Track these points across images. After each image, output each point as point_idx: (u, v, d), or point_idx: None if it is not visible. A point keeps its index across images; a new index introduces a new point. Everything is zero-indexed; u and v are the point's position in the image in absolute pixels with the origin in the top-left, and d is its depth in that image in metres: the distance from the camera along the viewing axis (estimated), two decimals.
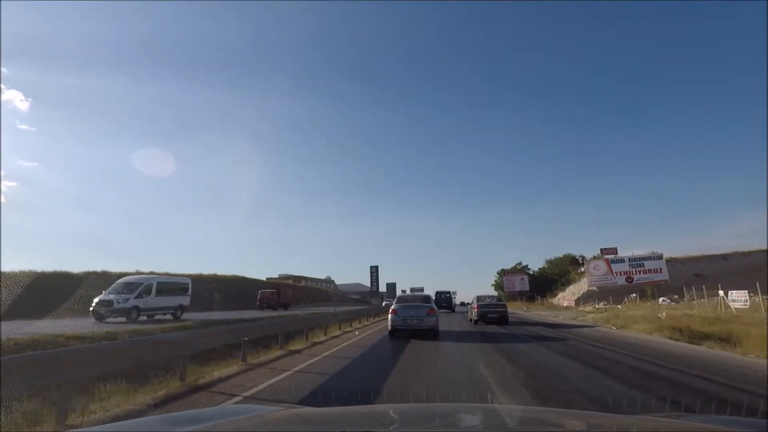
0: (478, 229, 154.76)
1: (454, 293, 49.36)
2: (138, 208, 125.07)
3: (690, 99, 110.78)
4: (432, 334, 13.32)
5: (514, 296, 59.42)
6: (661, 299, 35.87)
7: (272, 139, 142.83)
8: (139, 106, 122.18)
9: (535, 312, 40.26)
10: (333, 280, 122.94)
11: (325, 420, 1.72)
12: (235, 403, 5.20)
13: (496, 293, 67.86)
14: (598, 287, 27.32)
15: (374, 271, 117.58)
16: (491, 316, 19.30)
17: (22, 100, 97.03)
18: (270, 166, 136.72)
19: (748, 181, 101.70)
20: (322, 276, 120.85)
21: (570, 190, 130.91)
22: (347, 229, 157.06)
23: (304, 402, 5.38)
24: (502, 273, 63.86)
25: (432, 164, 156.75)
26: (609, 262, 26.07)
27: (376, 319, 25.82)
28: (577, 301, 49.63)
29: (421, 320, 13.39)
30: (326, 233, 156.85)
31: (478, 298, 21.09)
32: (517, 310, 48.96)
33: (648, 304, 34.50)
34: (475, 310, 19.72)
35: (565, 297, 53.15)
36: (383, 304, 51.21)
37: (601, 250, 57.43)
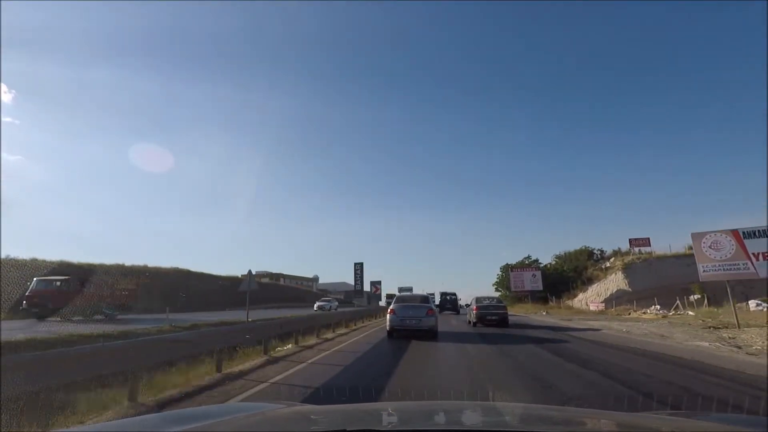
0: (472, 228, 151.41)
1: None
2: (120, 202, 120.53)
3: (693, 96, 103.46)
4: (431, 334, 12.94)
5: (523, 297, 48.66)
6: (753, 302, 25.27)
7: (260, 137, 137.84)
8: (124, 100, 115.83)
9: (559, 316, 29.69)
10: (317, 278, 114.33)
11: (326, 417, 1.69)
12: None
13: (498, 293, 57.29)
14: (725, 279, 15.63)
15: (359, 268, 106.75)
16: (491, 318, 18.40)
17: (5, 92, 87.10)
18: (258, 163, 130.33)
19: (750, 179, 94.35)
20: (309, 275, 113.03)
21: (569, 186, 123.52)
22: (336, 228, 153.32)
23: None
24: (507, 269, 53.06)
25: (422, 163, 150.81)
26: (740, 237, 14.67)
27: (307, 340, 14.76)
28: (608, 303, 39.05)
29: (420, 320, 12.99)
30: (315, 232, 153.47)
31: (477, 300, 20.19)
32: (529, 313, 38.23)
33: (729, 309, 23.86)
34: (474, 311, 18.86)
35: (590, 298, 42.56)
36: (315, 307, 36.67)
37: (630, 240, 47.21)
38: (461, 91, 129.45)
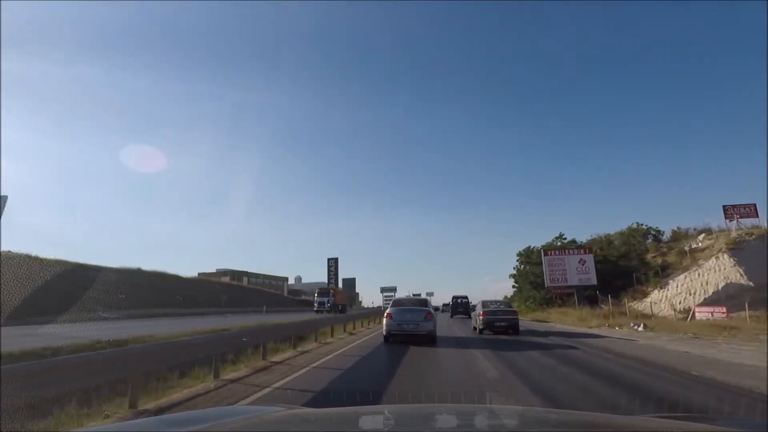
0: (466, 227, 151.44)
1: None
2: (93, 200, 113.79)
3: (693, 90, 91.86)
4: (429, 339, 12.42)
5: (555, 297, 32.00)
6: None
7: (244, 134, 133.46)
8: (102, 96, 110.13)
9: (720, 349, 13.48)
10: (299, 278, 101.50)
11: (324, 420, 1.70)
12: None
13: (515, 289, 40.70)
14: None
15: (333, 264, 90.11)
16: (500, 324, 16.25)
17: None
18: (247, 162, 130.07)
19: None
20: (292, 275, 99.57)
21: (572, 182, 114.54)
22: (325, 228, 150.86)
23: None
24: (530, 254, 36.44)
25: (415, 162, 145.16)
26: None
27: None
28: (726, 306, 22.48)
29: (418, 325, 12.47)
30: (306, 232, 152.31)
31: (483, 304, 17.78)
32: (595, 326, 21.53)
33: None
34: (481, 317, 16.58)
35: (677, 298, 26.08)
36: None
37: (725, 208, 30.80)
38: (459, 90, 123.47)
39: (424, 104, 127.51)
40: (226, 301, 44.28)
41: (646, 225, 38.29)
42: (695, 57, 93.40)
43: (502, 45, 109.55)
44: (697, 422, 1.75)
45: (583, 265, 29.84)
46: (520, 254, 38.42)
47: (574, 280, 29.84)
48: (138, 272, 40.85)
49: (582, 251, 30.80)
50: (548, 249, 32.41)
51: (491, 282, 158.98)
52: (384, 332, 12.84)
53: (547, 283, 30.98)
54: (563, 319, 24.69)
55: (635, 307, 27.88)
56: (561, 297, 32.52)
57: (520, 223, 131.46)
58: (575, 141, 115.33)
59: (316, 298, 46.23)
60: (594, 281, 29.51)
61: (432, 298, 68.58)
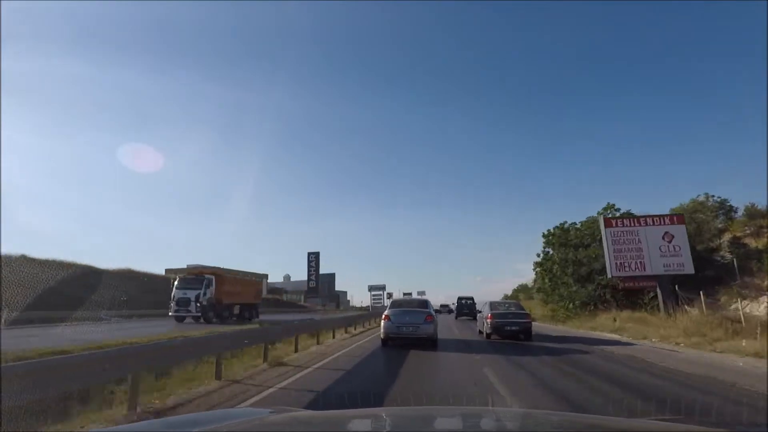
0: (453, 226, 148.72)
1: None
2: (73, 197, 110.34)
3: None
4: (430, 343, 12.09)
5: (620, 292, 21.65)
6: None
7: (234, 132, 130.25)
8: (88, 93, 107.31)
9: None
10: (288, 276, 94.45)
11: (324, 423, 1.68)
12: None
13: (541, 277, 30.38)
14: None
15: (313, 259, 79.81)
16: (510, 328, 14.58)
17: None
18: (238, 160, 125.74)
19: None
20: (279, 274, 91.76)
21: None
22: (312, 225, 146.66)
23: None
24: (566, 234, 26.34)
25: (409, 161, 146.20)
26: None
27: None
28: None
29: (418, 327, 12.17)
30: (289, 229, 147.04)
31: (492, 305, 15.94)
32: None
33: None
34: (489, 320, 14.96)
35: None
36: None
37: None
38: (452, 88, 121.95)
39: (417, 102, 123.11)
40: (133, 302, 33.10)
41: (718, 197, 28.26)
42: (694, 56, 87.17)
43: (502, 44, 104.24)
44: (698, 425, 1.83)
45: (669, 242, 19.17)
46: (549, 234, 27.85)
47: (657, 266, 19.04)
48: (22, 260, 29.73)
49: (667, 220, 20.02)
50: (613, 221, 21.15)
51: (482, 282, 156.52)
52: (382, 335, 12.53)
53: (612, 271, 19.91)
54: (666, 336, 14.33)
55: (747, 311, 17.70)
56: (617, 294, 22.21)
57: (513, 224, 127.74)
58: (569, 141, 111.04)
59: (175, 289, 22.66)
60: (690, 268, 18.89)
61: (423, 297, 60.17)
